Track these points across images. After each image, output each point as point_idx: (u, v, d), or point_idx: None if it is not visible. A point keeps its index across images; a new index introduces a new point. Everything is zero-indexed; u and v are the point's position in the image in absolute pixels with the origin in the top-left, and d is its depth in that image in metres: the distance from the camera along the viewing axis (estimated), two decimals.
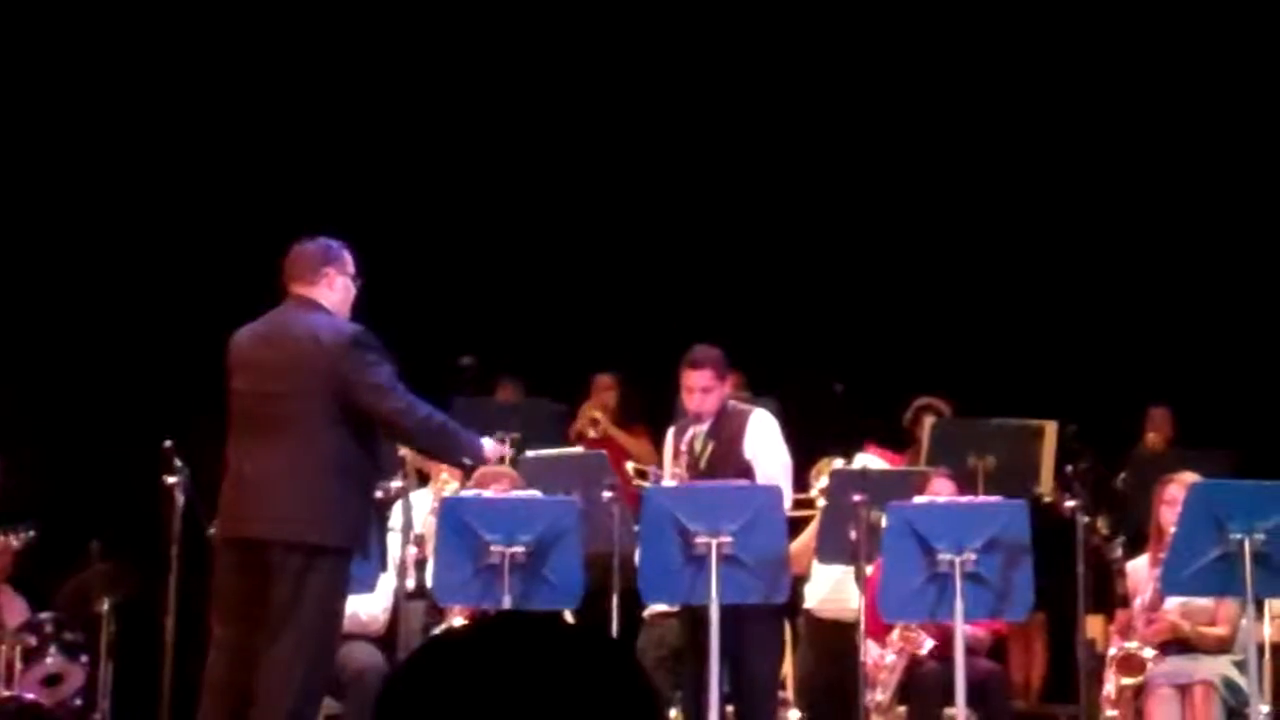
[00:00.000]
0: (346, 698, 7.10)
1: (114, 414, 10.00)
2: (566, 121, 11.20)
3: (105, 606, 8.17)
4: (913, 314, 11.00)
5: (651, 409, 9.34)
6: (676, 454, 7.26)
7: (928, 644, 7.43)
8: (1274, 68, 10.71)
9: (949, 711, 7.13)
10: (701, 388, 7.14)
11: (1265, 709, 6.85)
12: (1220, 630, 7.26)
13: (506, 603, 6.59)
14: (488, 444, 6.34)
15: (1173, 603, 7.26)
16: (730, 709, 7.06)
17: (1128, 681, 7.30)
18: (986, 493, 8.12)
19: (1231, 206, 10.86)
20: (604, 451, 8.39)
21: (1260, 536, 6.39)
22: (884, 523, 6.87)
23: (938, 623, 7.20)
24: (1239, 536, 6.41)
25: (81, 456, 9.95)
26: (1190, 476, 7.18)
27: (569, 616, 7.00)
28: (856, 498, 7.13)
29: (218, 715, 5.96)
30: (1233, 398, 10.32)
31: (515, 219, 11.15)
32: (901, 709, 7.55)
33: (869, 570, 7.20)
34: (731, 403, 7.33)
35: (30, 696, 7.76)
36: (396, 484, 7.15)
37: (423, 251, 10.82)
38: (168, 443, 7.45)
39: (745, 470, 7.11)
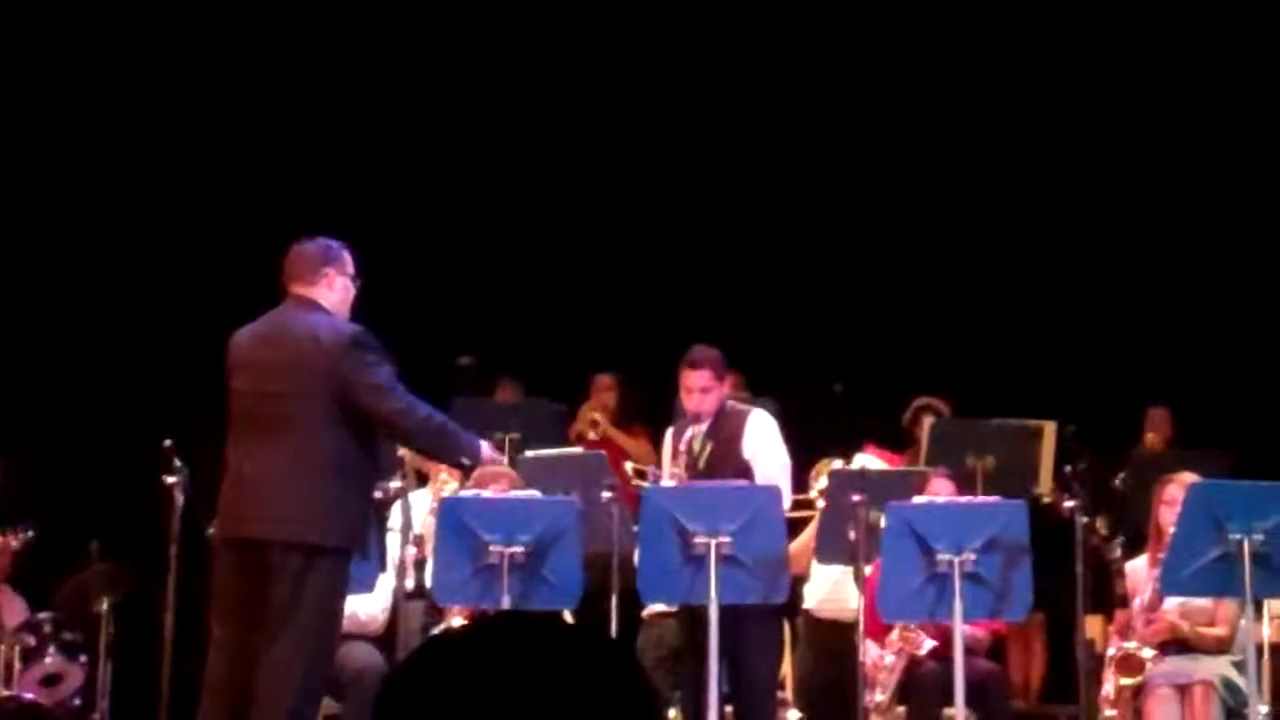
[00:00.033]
0: (346, 698, 7.10)
1: (113, 414, 10.00)
2: (566, 122, 11.20)
3: (104, 606, 8.16)
4: (912, 314, 11.00)
5: (651, 409, 9.34)
6: (675, 454, 7.26)
7: (927, 644, 7.43)
8: (1274, 68, 10.71)
9: (948, 712, 7.13)
10: (700, 388, 7.14)
11: (1264, 709, 6.85)
12: (1219, 630, 7.26)
13: (505, 603, 6.59)
14: (485, 446, 6.35)
15: (1172, 603, 7.26)
16: (729, 709, 7.06)
17: (1127, 682, 7.30)
18: (985, 493, 8.13)
19: (1230, 207, 10.86)
20: (603, 452, 8.39)
21: (1259, 537, 6.39)
22: (883, 523, 6.87)
23: (937, 623, 7.20)
24: (1238, 537, 6.41)
25: (81, 456, 9.95)
26: (1189, 477, 7.18)
27: (568, 616, 7.00)
28: (855, 498, 7.13)
29: (217, 715, 5.96)
30: (1232, 398, 10.33)
31: (514, 219, 11.15)
32: (900, 709, 7.55)
33: (868, 570, 7.20)
34: (730, 403, 7.33)
35: (29, 696, 7.75)
36: (395, 484, 7.14)
37: (422, 251, 10.82)
38: (167, 442, 7.45)
39: (744, 470, 7.11)
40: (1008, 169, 11.08)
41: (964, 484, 8.06)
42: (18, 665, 7.95)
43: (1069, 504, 7.68)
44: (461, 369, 8.68)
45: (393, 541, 7.33)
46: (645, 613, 7.91)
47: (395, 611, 7.38)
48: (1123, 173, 11.02)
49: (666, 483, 7.29)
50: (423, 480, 8.12)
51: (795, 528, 7.46)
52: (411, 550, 7.22)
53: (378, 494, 6.56)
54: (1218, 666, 7.19)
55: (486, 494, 7.12)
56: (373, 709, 3.61)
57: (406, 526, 7.21)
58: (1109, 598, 8.09)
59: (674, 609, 7.39)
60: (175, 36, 10.77)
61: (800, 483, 7.76)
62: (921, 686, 7.43)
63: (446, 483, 7.86)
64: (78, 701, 8.18)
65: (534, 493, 7.14)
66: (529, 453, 8.14)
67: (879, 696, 7.45)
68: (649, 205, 11.16)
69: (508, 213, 11.15)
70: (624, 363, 10.19)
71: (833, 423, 8.58)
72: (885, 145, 11.15)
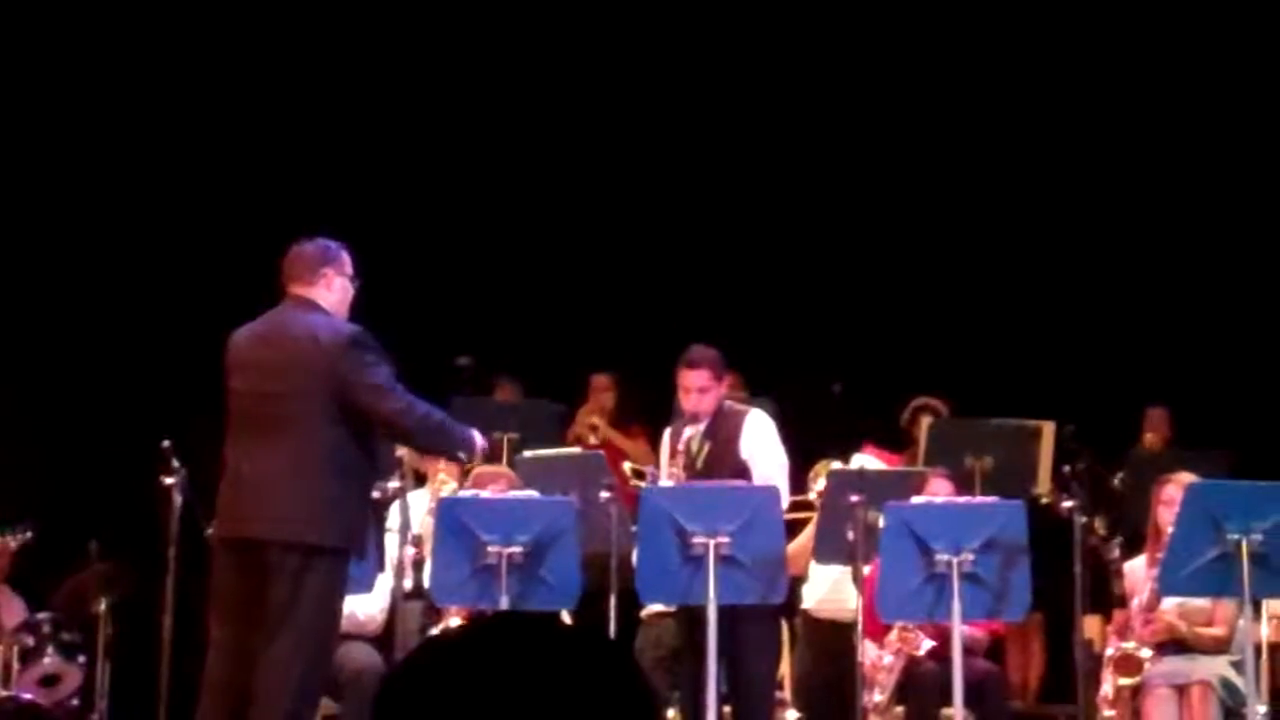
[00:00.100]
0: (344, 698, 7.10)
1: (112, 414, 10.00)
2: (565, 122, 11.20)
3: (103, 607, 8.16)
4: (911, 314, 11.00)
5: (649, 409, 9.34)
6: (673, 454, 7.26)
7: (925, 644, 7.43)
8: (1273, 68, 10.72)
9: (946, 712, 7.13)
10: (698, 388, 7.14)
11: (1262, 709, 6.85)
12: (1218, 630, 7.26)
13: (504, 603, 6.59)
14: (478, 436, 6.34)
15: (1170, 603, 7.26)
16: (728, 709, 7.06)
17: (1125, 682, 7.31)
18: (984, 493, 8.13)
19: (1229, 208, 10.86)
20: (601, 452, 8.39)
21: (1257, 537, 6.39)
22: (881, 523, 6.87)
23: (935, 623, 7.20)
24: (1236, 537, 6.41)
25: (79, 457, 9.95)
26: (1188, 477, 7.19)
27: (566, 617, 7.00)
28: (854, 498, 7.12)
29: (216, 715, 5.96)
30: (1230, 398, 10.33)
31: (513, 219, 11.16)
32: (899, 709, 7.55)
33: (866, 570, 7.19)
34: (728, 403, 7.33)
35: (28, 697, 7.75)
36: (394, 484, 7.15)
37: (422, 252, 10.82)
38: (166, 443, 7.45)
39: (742, 470, 7.11)
40: (1007, 169, 11.08)
41: (962, 484, 8.06)
42: (16, 665, 7.96)
43: (1067, 504, 7.68)
44: (460, 369, 8.69)
45: (391, 541, 7.34)
46: (644, 613, 7.91)
47: (393, 611, 7.38)
48: (1121, 173, 11.03)
49: (665, 483, 7.29)
50: (421, 480, 8.12)
51: (793, 529, 7.46)
52: (410, 550, 7.22)
53: (376, 494, 6.57)
54: (1216, 666, 7.19)
55: (485, 494, 7.13)
56: (371, 709, 3.61)
57: (405, 526, 7.21)
58: (1107, 598, 8.09)
59: (672, 609, 7.39)
60: (175, 37, 10.77)
61: (799, 484, 7.76)
62: (920, 687, 7.44)
63: (445, 483, 7.87)
64: (76, 702, 8.19)
65: (532, 493, 7.14)
66: (527, 453, 8.14)
67: (877, 697, 7.45)
68: (648, 205, 11.16)
69: (506, 213, 11.16)
70: (622, 362, 10.19)
71: (831, 423, 8.59)
72: (884, 146, 11.15)
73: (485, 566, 6.67)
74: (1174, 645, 7.29)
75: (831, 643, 7.82)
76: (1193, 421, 10.00)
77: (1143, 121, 10.96)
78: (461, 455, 6.53)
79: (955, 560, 6.67)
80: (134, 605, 8.24)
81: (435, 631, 7.12)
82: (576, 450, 8.90)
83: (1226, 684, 7.13)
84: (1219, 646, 7.25)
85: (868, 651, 7.37)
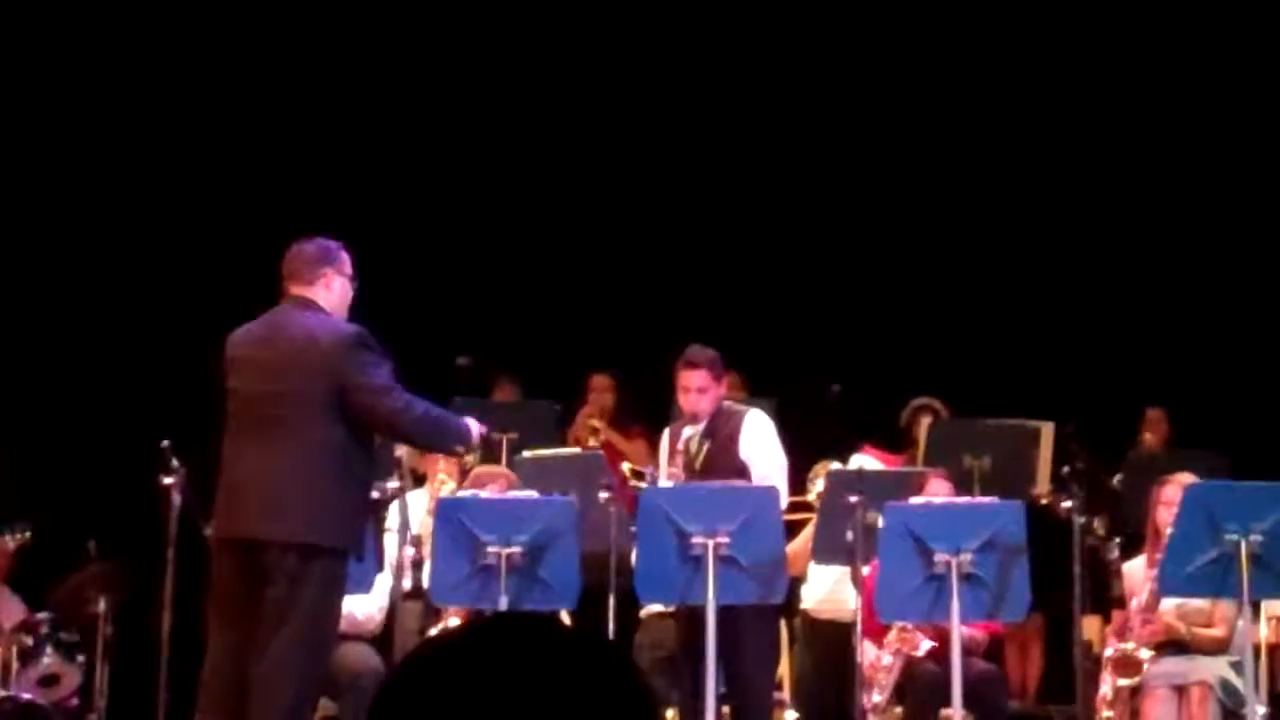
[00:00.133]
0: (342, 698, 7.10)
1: (111, 414, 10.00)
2: (564, 122, 11.21)
3: (102, 607, 8.16)
4: (910, 315, 11.00)
5: (649, 409, 9.33)
6: (672, 454, 7.26)
7: (924, 645, 7.43)
8: (1273, 68, 10.72)
9: (945, 712, 7.13)
10: (697, 388, 7.14)
11: (1261, 710, 6.85)
12: (1217, 631, 7.26)
13: (503, 603, 6.59)
14: (473, 424, 6.34)
15: (1169, 604, 7.26)
16: (727, 709, 7.06)
17: (1124, 682, 7.31)
18: (983, 493, 8.13)
19: (1228, 210, 10.87)
20: (600, 452, 8.38)
21: (1256, 538, 6.39)
22: (880, 523, 6.86)
23: (934, 623, 7.20)
24: (1235, 538, 6.40)
25: (78, 456, 9.95)
26: (1187, 478, 7.19)
27: (565, 617, 7.00)
28: (853, 498, 7.12)
29: (214, 715, 5.96)
30: (1229, 399, 10.33)
31: (512, 219, 11.16)
32: (898, 710, 7.55)
33: (865, 571, 7.19)
34: (727, 403, 7.33)
35: (27, 696, 7.76)
36: (393, 484, 7.15)
37: (421, 252, 10.82)
38: (164, 442, 7.45)
39: (741, 471, 7.11)
40: (1006, 170, 11.08)
41: (961, 485, 8.06)
42: (15, 665, 7.96)
43: (1066, 505, 7.69)
44: (460, 369, 8.68)
45: (390, 542, 7.34)
46: (643, 613, 7.91)
47: (392, 612, 7.38)
48: (1121, 174, 11.03)
49: (664, 483, 7.29)
50: (420, 481, 8.12)
51: (792, 529, 7.46)
52: (409, 550, 7.22)
53: (375, 494, 6.57)
54: (1215, 667, 7.18)
55: (484, 494, 7.13)
56: (369, 710, 3.61)
57: (404, 526, 7.21)
58: (1106, 598, 8.10)
59: (671, 609, 7.39)
60: (175, 37, 10.78)
61: (798, 485, 7.76)
62: (919, 687, 7.43)
63: (444, 483, 7.87)
64: (75, 701, 8.19)
65: (531, 493, 7.14)
66: (526, 453, 8.14)
67: (876, 697, 7.44)
68: (647, 205, 11.16)
69: (506, 213, 11.16)
70: (621, 362, 10.19)
71: (830, 424, 8.58)
72: (884, 147, 11.15)
73: (484, 567, 6.66)
74: (1173, 646, 7.29)
75: (830, 643, 7.82)
76: (1191, 422, 10.00)
77: (1142, 122, 10.96)
78: (459, 449, 6.54)
79: (954, 561, 6.67)
80: (133, 605, 8.23)
81: (434, 632, 7.11)
82: (576, 450, 8.90)
83: (1225, 685, 7.13)
84: (1218, 647, 7.25)
85: (867, 652, 7.37)
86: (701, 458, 7.18)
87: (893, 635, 7.48)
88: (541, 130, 11.18)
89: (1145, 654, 7.28)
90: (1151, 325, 10.75)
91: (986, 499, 7.53)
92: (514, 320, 10.81)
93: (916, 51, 11.16)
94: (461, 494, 7.37)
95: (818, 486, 7.82)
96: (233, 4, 10.94)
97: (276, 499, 5.89)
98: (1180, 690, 7.19)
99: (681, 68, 11.15)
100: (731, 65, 11.17)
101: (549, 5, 11.22)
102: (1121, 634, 7.42)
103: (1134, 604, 7.38)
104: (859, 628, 7.20)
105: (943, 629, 7.06)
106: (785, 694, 8.02)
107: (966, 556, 6.68)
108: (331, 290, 6.17)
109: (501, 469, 7.75)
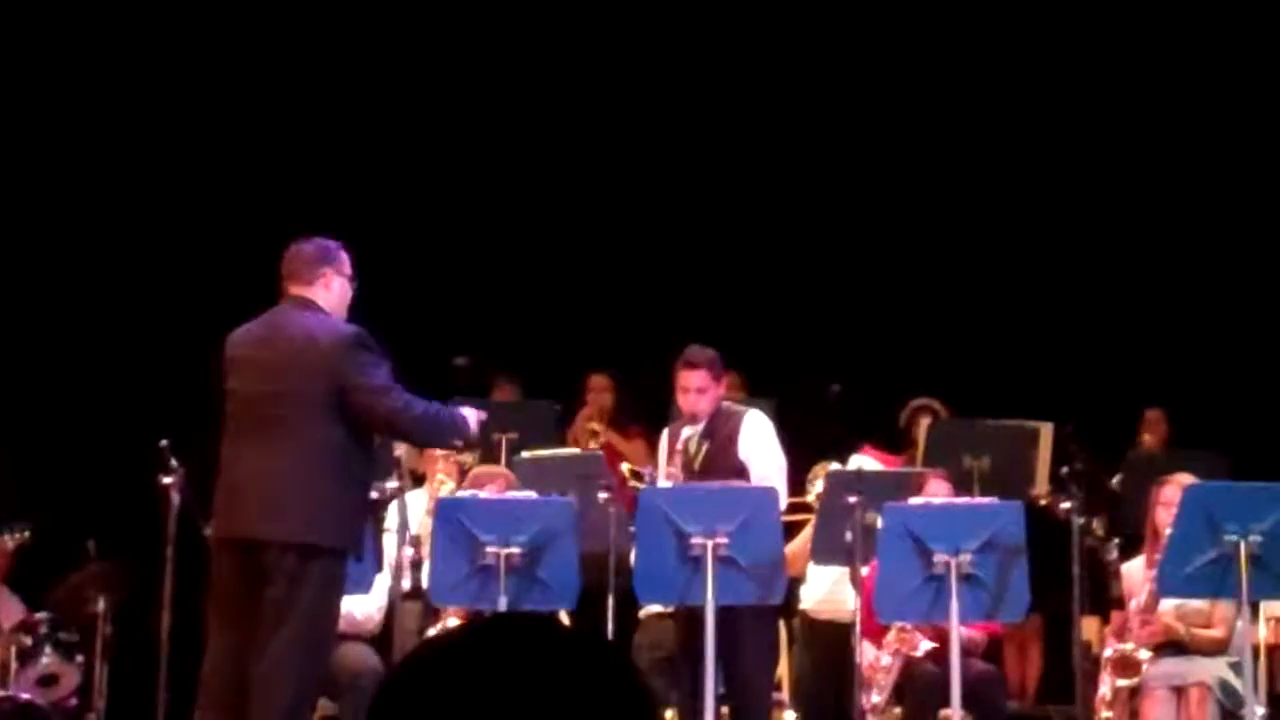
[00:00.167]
0: (341, 698, 7.10)
1: (110, 413, 10.00)
2: (564, 122, 11.20)
3: (101, 606, 8.16)
4: (910, 315, 11.00)
5: (648, 409, 9.33)
6: (671, 454, 7.26)
7: (923, 645, 7.43)
8: (1272, 69, 10.72)
9: (944, 713, 7.13)
10: (696, 388, 7.14)
11: (1260, 711, 6.85)
12: (1216, 632, 7.26)
13: (502, 604, 6.59)
14: (469, 414, 6.34)
15: (1168, 604, 7.26)
16: (726, 710, 7.06)
17: (1123, 683, 7.31)
18: (982, 494, 8.13)
19: (1227, 211, 10.87)
20: (599, 452, 8.38)
21: (1256, 538, 6.39)
22: (879, 524, 6.86)
23: (933, 624, 7.20)
24: (1234, 538, 6.40)
25: (77, 456, 9.95)
26: (1186, 478, 7.18)
27: (564, 617, 7.00)
28: (852, 499, 7.12)
29: (214, 715, 5.96)
30: (1228, 400, 10.33)
31: (512, 219, 11.16)
32: (897, 710, 7.55)
33: (864, 571, 7.19)
34: (726, 403, 7.33)
35: (26, 696, 7.75)
36: (392, 484, 7.15)
37: (420, 252, 10.82)
38: (164, 442, 7.45)
39: (740, 471, 7.11)
40: (1005, 171, 11.08)
41: (961, 485, 8.06)
42: (14, 665, 7.96)
43: (1065, 505, 7.69)
44: (458, 369, 8.68)
45: (389, 542, 7.34)
46: (642, 613, 7.91)
47: (391, 612, 7.38)
48: (1120, 175, 11.03)
49: (663, 483, 7.29)
50: (419, 481, 8.12)
51: (791, 530, 7.46)
52: (408, 551, 7.22)
53: (374, 494, 6.57)
54: (1214, 668, 7.18)
55: (483, 494, 7.13)
56: (368, 710, 3.60)
57: (403, 527, 7.21)
58: (1105, 599, 8.10)
59: (670, 610, 7.39)
60: (174, 37, 10.77)
61: (797, 486, 7.75)
62: (918, 687, 7.44)
63: (443, 483, 7.88)
64: (74, 701, 8.18)
65: (530, 493, 7.14)
66: (525, 453, 8.14)
67: (875, 697, 7.45)
68: (647, 205, 11.16)
69: (505, 213, 11.16)
70: (620, 362, 10.19)
71: (829, 424, 8.58)
72: (883, 147, 11.15)
73: (483, 567, 6.66)
74: (1172, 647, 7.29)
75: (829, 644, 7.82)
76: (1190, 423, 10.00)
77: (1141, 123, 10.96)
78: (458, 442, 6.55)
79: (953, 561, 6.67)
80: (132, 605, 8.23)
81: (433, 632, 7.11)
82: (575, 450, 8.89)
83: (1224, 685, 7.13)
84: (1217, 648, 7.25)
85: (866, 652, 7.37)
86: (700, 458, 7.18)
87: (892, 636, 7.48)
88: (540, 130, 11.18)
89: (1144, 655, 7.28)
90: (1151, 326, 10.75)
91: (986, 499, 7.53)
92: (513, 320, 10.81)
93: (916, 51, 11.16)
94: (460, 494, 7.37)
95: (817, 487, 7.82)
96: (233, 4, 10.93)
97: (276, 499, 5.89)
98: (1179, 691, 7.19)
99: (681, 68, 11.15)
100: (731, 65, 11.17)
101: (549, 5, 11.22)
102: (1120, 635, 7.42)
103: (1133, 605, 7.38)
104: (858, 628, 7.20)
105: (942, 629, 7.06)
106: (784, 694, 8.02)
107: (965, 557, 6.68)
108: (331, 290, 6.18)
109: (500, 469, 7.75)
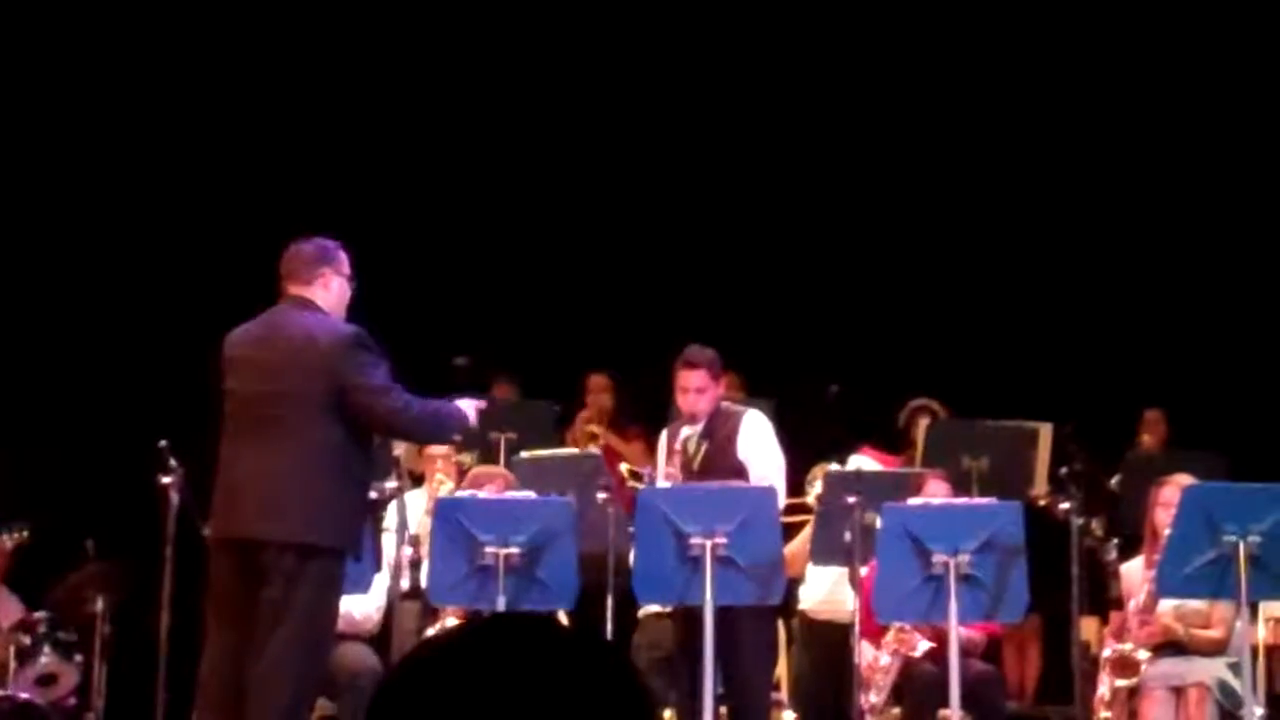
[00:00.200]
0: (340, 698, 7.10)
1: (109, 413, 9.99)
2: (563, 122, 11.21)
3: (100, 606, 8.15)
4: (908, 316, 11.01)
5: (647, 409, 9.33)
6: (670, 454, 7.26)
7: (922, 645, 7.43)
8: (1272, 70, 10.72)
9: (943, 713, 7.13)
10: (696, 388, 7.14)
11: (1259, 711, 6.85)
12: (1214, 633, 7.25)
13: (501, 604, 6.59)
14: (466, 406, 6.33)
15: (1167, 605, 7.26)
16: (724, 710, 7.06)
17: (1122, 683, 7.31)
18: (981, 494, 8.13)
19: (1226, 212, 10.87)
20: (598, 452, 8.38)
21: (1255, 539, 6.38)
22: (878, 524, 6.86)
23: (932, 624, 7.20)
24: (1234, 539, 6.40)
25: (76, 456, 9.95)
26: (1185, 479, 7.18)
27: (563, 617, 7.00)
28: (851, 499, 7.12)
29: (212, 715, 5.96)
30: (1227, 401, 10.33)
31: (511, 219, 11.16)
32: (896, 710, 7.55)
33: (863, 572, 7.19)
34: (725, 404, 7.33)
35: (24, 696, 7.74)
36: (391, 484, 7.15)
37: (419, 251, 10.82)
38: (163, 442, 7.45)
39: (739, 471, 7.10)
40: (1005, 172, 11.08)
41: (960, 485, 8.06)
42: (13, 665, 7.95)
43: (1064, 506, 7.69)
44: (457, 369, 8.68)
45: (388, 542, 7.34)
46: (641, 613, 7.91)
47: (390, 612, 7.38)
48: (1119, 176, 11.03)
49: (662, 483, 7.29)
50: (418, 481, 8.12)
51: (790, 532, 7.46)
52: (407, 550, 7.22)
53: (373, 494, 6.57)
54: (1213, 668, 7.18)
55: (482, 494, 7.13)
56: (366, 710, 3.60)
57: (402, 526, 7.21)
58: (1104, 599, 8.10)
59: (669, 610, 7.39)
60: (174, 37, 10.77)
61: (796, 487, 7.75)
62: (916, 688, 7.44)
63: (442, 483, 7.88)
64: (73, 701, 8.18)
65: (529, 493, 7.14)
66: (524, 453, 8.14)
67: (874, 698, 7.45)
68: (646, 205, 11.16)
69: (504, 213, 11.16)
70: (619, 362, 10.19)
71: (828, 425, 8.58)
72: (883, 147, 11.15)
73: (482, 567, 6.66)
74: (1171, 647, 7.29)
75: (828, 644, 7.82)
76: (1189, 423, 10.00)
77: (1140, 124, 10.96)
78: (458, 437, 6.55)
79: (952, 561, 6.66)
80: (131, 605, 8.23)
81: (432, 632, 7.11)
82: (574, 450, 8.89)
83: (1223, 686, 7.13)
84: (1216, 648, 7.25)
85: (864, 652, 7.38)
86: (699, 458, 7.17)
87: (890, 636, 7.49)
88: (539, 130, 11.18)
89: (1143, 655, 7.28)
90: (1149, 326, 10.75)
91: (984, 500, 7.53)
92: (512, 320, 10.81)
93: (915, 52, 11.16)
94: (460, 494, 7.37)
95: (816, 489, 7.82)
96: (232, 4, 10.93)
97: (274, 499, 5.88)
98: (1178, 691, 7.19)
99: (680, 68, 11.15)
100: (730, 65, 11.17)
101: (548, 5, 11.22)
102: (1119, 635, 7.42)
103: (1132, 605, 7.38)
104: (857, 628, 7.20)
105: (941, 630, 7.06)
106: (783, 694, 8.02)
107: (964, 557, 6.67)
108: (329, 290, 6.17)
109: (499, 469, 7.75)
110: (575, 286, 11.02)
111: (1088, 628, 8.30)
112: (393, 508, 7.27)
